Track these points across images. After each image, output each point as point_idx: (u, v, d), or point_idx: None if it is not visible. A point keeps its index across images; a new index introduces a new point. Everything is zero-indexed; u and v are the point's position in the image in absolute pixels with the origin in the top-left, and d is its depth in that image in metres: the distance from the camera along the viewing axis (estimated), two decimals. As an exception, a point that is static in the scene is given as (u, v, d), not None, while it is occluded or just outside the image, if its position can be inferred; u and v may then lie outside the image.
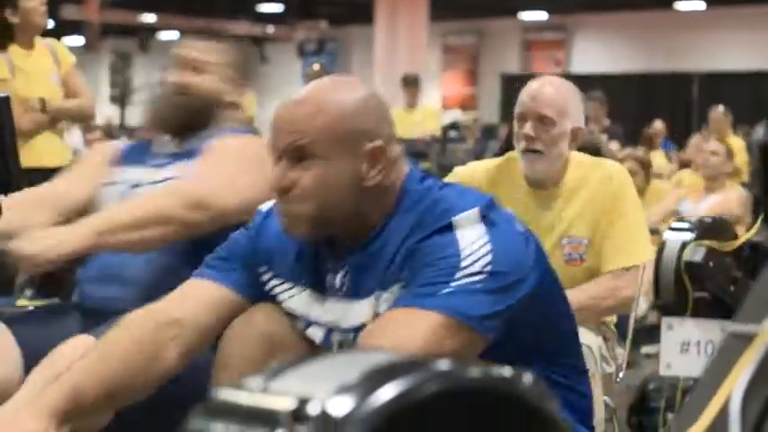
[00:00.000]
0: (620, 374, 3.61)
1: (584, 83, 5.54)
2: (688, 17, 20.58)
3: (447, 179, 3.88)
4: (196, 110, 3.29)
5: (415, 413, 1.04)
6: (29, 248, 2.90)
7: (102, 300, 3.11)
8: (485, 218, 2.17)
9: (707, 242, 3.48)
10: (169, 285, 2.51)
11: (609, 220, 3.44)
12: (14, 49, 5.38)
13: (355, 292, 2.26)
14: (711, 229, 3.58)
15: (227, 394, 1.07)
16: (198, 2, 22.19)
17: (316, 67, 8.94)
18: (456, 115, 17.82)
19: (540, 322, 2.29)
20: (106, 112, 23.96)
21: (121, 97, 27.59)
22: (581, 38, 22.00)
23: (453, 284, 2.10)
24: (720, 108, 11.51)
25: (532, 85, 3.52)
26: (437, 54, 22.42)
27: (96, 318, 2.93)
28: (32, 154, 5.15)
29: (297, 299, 2.35)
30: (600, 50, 21.74)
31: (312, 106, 2.20)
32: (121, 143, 3.64)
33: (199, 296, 2.39)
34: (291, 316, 2.36)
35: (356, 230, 2.26)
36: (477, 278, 2.11)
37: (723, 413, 1.10)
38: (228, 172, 3.09)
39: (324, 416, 1.00)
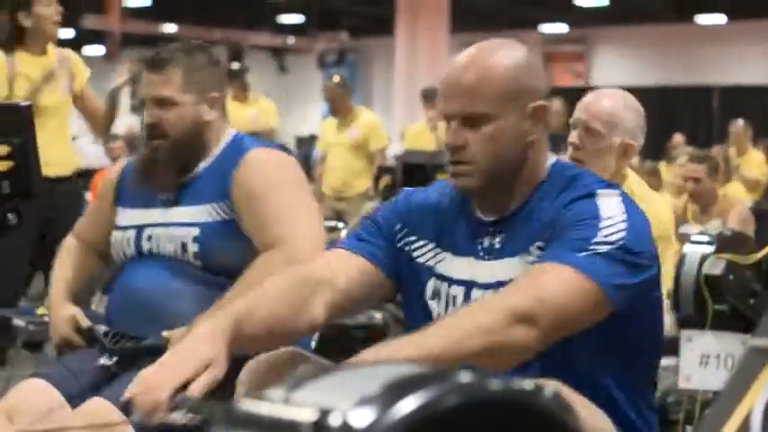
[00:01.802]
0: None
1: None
2: (708, 31, 20.52)
3: None
4: (182, 146, 3.25)
5: (435, 425, 1.04)
6: None
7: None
8: (623, 198, 2.31)
9: (727, 255, 3.47)
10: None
11: None
12: (22, 55, 5.34)
13: (505, 252, 2.35)
14: (731, 242, 3.57)
15: (249, 405, 1.07)
16: (218, 12, 22.24)
17: (336, 78, 8.91)
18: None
19: (645, 316, 2.38)
20: (127, 122, 23.95)
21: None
22: (601, 50, 21.95)
23: (591, 247, 2.20)
24: (740, 122, 11.47)
25: (588, 97, 3.57)
26: (457, 66, 22.37)
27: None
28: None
29: (444, 262, 2.43)
30: (620, 63, 21.68)
31: (480, 70, 2.31)
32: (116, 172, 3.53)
33: (344, 263, 2.47)
34: (432, 276, 2.44)
35: (516, 190, 2.37)
36: (613, 247, 2.21)
37: (743, 428, 1.09)
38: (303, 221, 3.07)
39: (345, 427, 1.00)
